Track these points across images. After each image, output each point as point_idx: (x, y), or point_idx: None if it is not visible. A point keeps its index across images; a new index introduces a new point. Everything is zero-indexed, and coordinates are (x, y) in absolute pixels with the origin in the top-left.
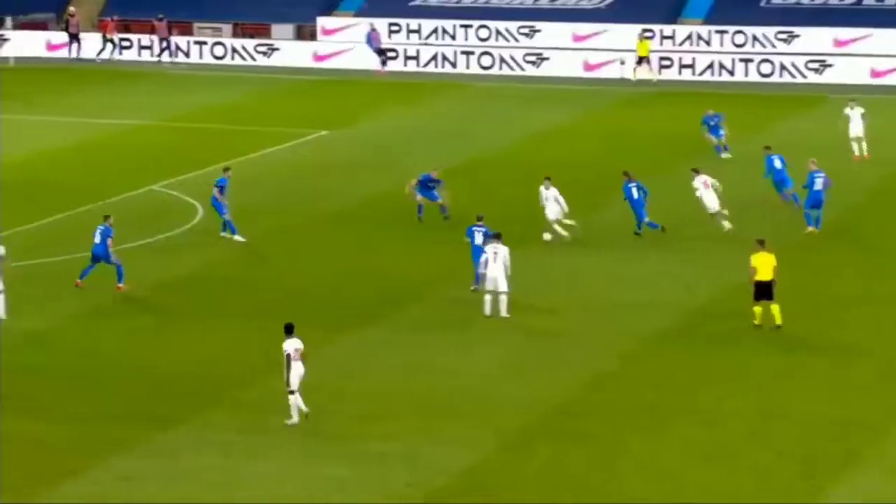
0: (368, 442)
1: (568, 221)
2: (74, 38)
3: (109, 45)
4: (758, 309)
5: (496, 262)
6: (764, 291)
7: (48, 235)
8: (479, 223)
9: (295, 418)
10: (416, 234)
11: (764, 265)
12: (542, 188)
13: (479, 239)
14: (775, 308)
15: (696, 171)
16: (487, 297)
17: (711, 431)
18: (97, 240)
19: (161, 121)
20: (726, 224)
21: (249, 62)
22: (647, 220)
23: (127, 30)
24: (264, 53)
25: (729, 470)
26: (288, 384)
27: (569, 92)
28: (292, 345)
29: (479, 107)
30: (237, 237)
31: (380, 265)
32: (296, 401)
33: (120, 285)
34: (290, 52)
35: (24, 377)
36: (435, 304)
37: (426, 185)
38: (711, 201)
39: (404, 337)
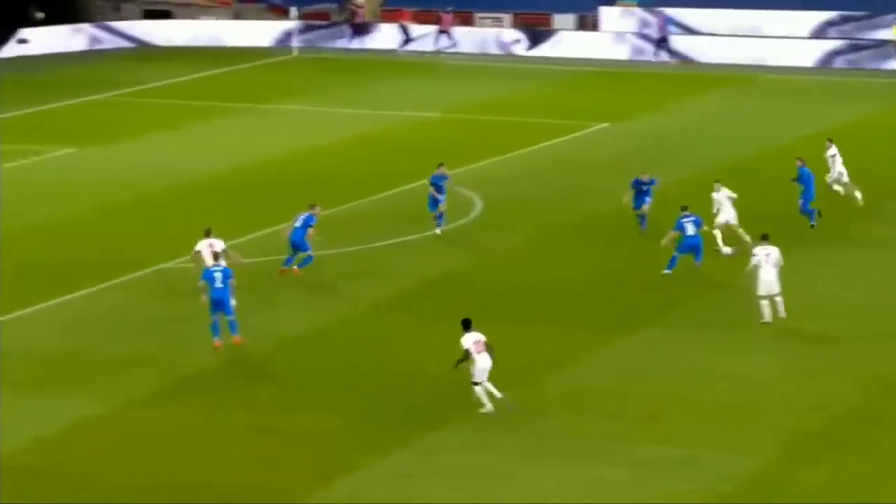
0: (647, 445)
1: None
2: (360, 28)
3: (444, 37)
4: None
5: (768, 265)
6: None
7: (328, 227)
8: (687, 213)
9: (488, 406)
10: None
11: None
12: (713, 193)
13: (690, 230)
14: None
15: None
16: (764, 303)
17: None
18: (298, 224)
19: (442, 113)
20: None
21: (530, 53)
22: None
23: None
24: (545, 43)
25: None
26: (472, 376)
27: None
28: (471, 339)
29: (767, 101)
30: (437, 231)
31: (650, 263)
32: (482, 391)
33: (296, 269)
34: (572, 42)
35: (304, 375)
36: (705, 306)
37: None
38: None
39: (679, 340)
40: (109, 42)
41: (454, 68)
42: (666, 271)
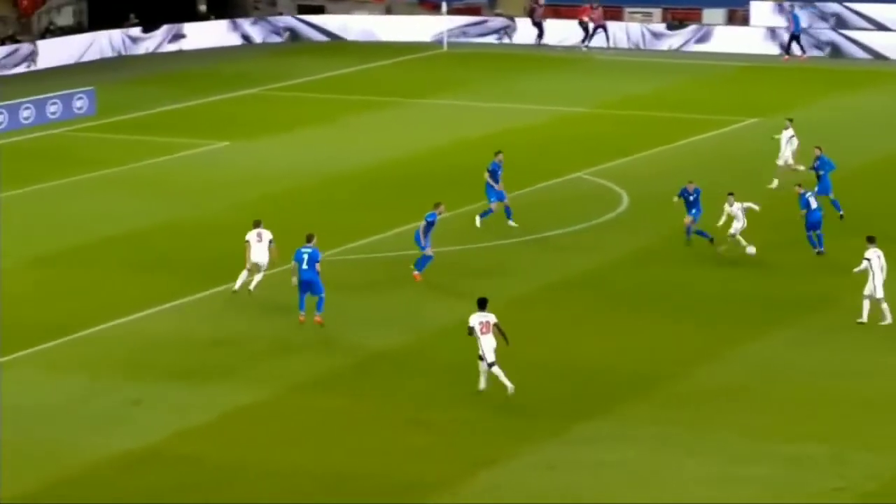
0: (792, 442)
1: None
2: (538, 26)
3: (597, 33)
4: None
5: (876, 268)
6: None
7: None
8: (805, 190)
9: (509, 385)
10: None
11: None
12: (726, 206)
13: (813, 203)
14: None
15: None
16: (866, 303)
17: None
18: (422, 225)
19: (589, 108)
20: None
21: (678, 48)
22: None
23: (557, 16)
24: (694, 39)
25: None
26: (482, 356)
27: None
28: (478, 318)
29: None
30: (511, 222)
31: (793, 261)
32: (498, 370)
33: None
34: (721, 37)
35: (451, 368)
36: (843, 306)
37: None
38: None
39: (820, 338)
40: (264, 37)
41: (602, 63)
42: (819, 249)
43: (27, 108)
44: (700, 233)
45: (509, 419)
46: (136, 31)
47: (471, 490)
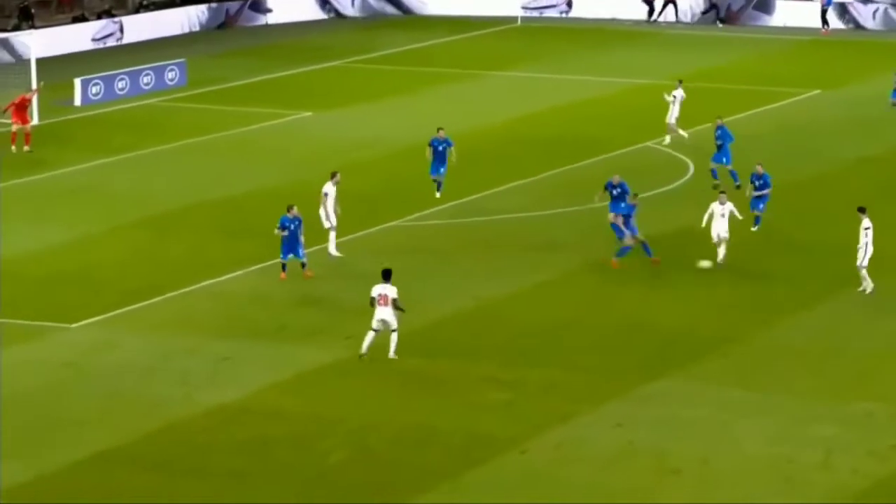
0: (857, 402)
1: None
2: (649, 3)
3: (670, 7)
4: None
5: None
6: None
7: (549, 188)
8: None
9: (364, 348)
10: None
11: None
12: (715, 203)
13: None
14: None
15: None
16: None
17: None
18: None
19: (659, 80)
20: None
21: (746, 22)
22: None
23: None
24: (760, 12)
25: None
26: (375, 328)
27: None
28: (378, 289)
29: None
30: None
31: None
32: (368, 338)
33: None
34: (788, 11)
35: (528, 329)
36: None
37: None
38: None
39: (877, 303)
40: (346, 11)
41: (673, 37)
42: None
43: (122, 80)
44: (633, 235)
45: (580, 378)
46: (223, 4)
47: (539, 446)
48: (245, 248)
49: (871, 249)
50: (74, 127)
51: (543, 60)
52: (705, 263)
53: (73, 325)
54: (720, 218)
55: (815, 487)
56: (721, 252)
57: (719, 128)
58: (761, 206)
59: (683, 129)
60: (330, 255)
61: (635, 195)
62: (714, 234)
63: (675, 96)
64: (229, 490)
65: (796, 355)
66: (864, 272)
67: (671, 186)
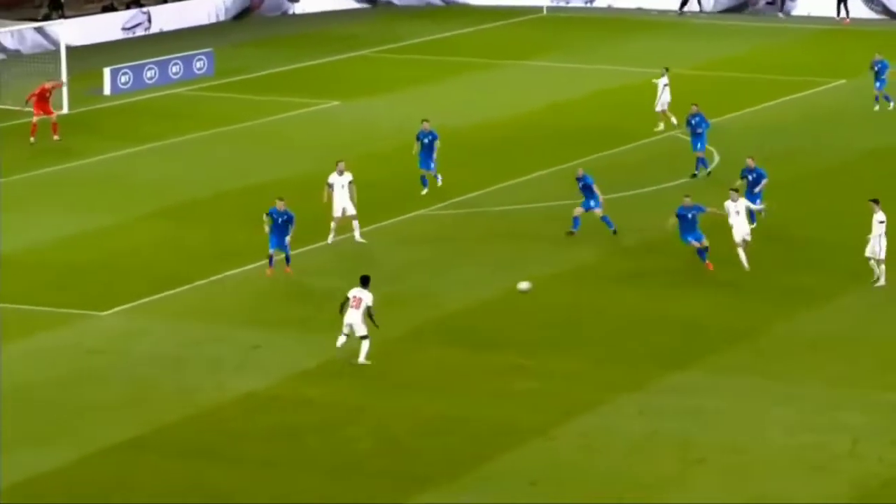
0: (883, 391)
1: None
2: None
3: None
4: None
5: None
6: None
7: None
8: None
9: (338, 344)
10: None
11: None
12: (728, 202)
13: None
14: None
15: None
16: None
17: None
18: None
19: (686, 69)
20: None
21: (772, 11)
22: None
23: None
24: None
25: None
26: (347, 333)
27: None
28: (353, 293)
29: None
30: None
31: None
32: (343, 340)
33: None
34: (814, 1)
35: (551, 317)
36: None
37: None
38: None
39: None
40: (367, 1)
41: (698, 26)
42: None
43: (150, 69)
44: (605, 219)
45: (604, 367)
46: None
47: (565, 433)
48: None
49: (885, 241)
50: (103, 116)
51: (569, 50)
52: (523, 286)
53: (103, 313)
54: (736, 216)
55: (842, 475)
56: (743, 257)
57: (696, 115)
58: (758, 201)
59: (675, 116)
60: (356, 241)
61: (686, 196)
62: (737, 237)
63: (661, 83)
64: (260, 478)
65: (818, 345)
66: (872, 263)
67: (699, 174)
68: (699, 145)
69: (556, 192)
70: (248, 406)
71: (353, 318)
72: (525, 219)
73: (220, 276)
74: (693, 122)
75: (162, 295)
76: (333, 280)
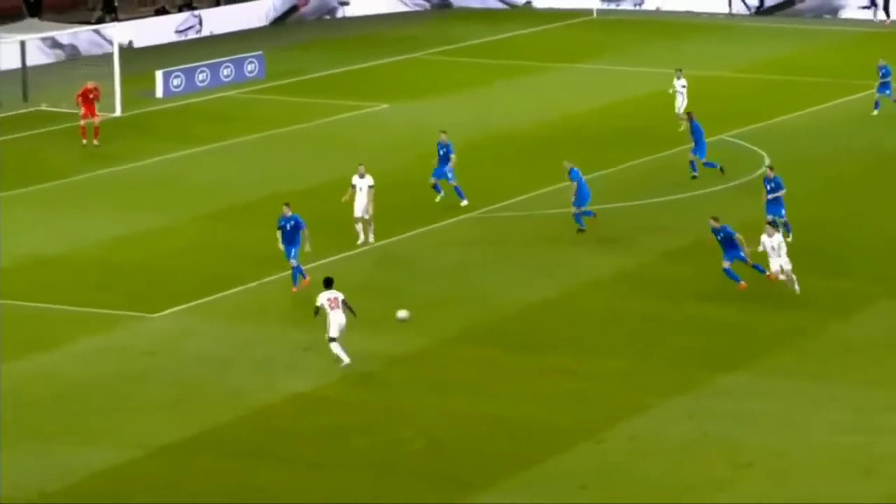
0: None
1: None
2: None
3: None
4: None
5: None
6: None
7: (624, 180)
8: None
9: (346, 359)
10: None
11: None
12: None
13: None
14: None
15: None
16: None
17: None
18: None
19: (733, 72)
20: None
21: (819, 15)
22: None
23: None
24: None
25: None
26: (328, 332)
27: None
28: (325, 296)
29: None
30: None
31: None
32: (337, 346)
33: None
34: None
35: (598, 319)
36: None
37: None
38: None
39: None
40: (419, 4)
41: (746, 29)
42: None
43: (202, 72)
44: (586, 213)
45: (651, 370)
46: None
47: (614, 436)
48: (320, 239)
49: None
50: (156, 118)
51: (618, 52)
52: (402, 314)
53: (154, 315)
54: (772, 251)
55: (888, 476)
56: (793, 283)
57: (691, 122)
58: (782, 211)
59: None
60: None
61: (715, 218)
62: (773, 266)
63: (678, 85)
64: (308, 478)
65: (859, 348)
66: None
67: (746, 178)
68: (699, 154)
69: (605, 196)
70: (297, 407)
71: (341, 318)
72: (572, 222)
73: (271, 278)
74: (691, 129)
75: (213, 297)
76: (379, 281)
